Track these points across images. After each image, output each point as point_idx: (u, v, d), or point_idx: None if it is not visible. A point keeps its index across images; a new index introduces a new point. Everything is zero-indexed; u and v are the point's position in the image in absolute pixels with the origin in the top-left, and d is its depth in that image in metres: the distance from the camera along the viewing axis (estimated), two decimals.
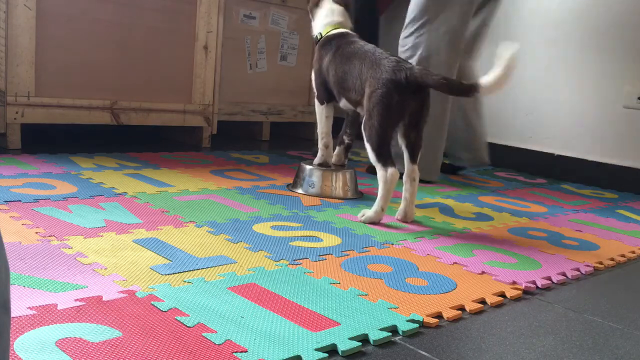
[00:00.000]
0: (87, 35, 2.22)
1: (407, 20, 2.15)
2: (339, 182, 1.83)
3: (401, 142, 1.59)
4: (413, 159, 1.59)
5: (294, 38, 3.04)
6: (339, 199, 1.80)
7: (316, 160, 1.88)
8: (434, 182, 2.23)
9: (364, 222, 1.55)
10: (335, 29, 1.80)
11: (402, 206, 1.61)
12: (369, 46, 1.67)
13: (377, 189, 1.56)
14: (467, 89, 1.48)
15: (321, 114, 1.86)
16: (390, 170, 1.54)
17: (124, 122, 2.33)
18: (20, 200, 1.42)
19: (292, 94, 3.08)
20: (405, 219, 1.61)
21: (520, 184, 2.43)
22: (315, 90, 1.86)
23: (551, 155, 2.72)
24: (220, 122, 2.75)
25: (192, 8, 2.49)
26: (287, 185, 1.91)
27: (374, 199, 1.83)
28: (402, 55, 2.11)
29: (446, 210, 1.80)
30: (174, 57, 2.47)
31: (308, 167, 1.85)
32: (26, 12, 2.03)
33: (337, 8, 1.84)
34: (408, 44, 2.13)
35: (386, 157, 1.54)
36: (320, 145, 1.88)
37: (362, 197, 1.87)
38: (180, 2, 2.44)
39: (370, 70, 1.57)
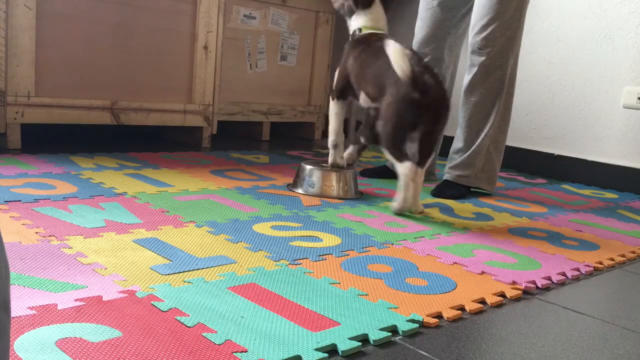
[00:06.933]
0: (88, 35, 2.22)
1: None
2: (339, 182, 1.83)
3: (412, 146, 1.65)
4: (420, 163, 1.64)
5: (294, 38, 3.03)
6: (339, 199, 1.80)
7: (329, 161, 1.89)
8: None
9: (394, 213, 1.66)
10: (371, 29, 1.81)
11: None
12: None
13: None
14: None
15: (332, 111, 1.87)
16: (406, 164, 1.62)
17: (124, 122, 2.33)
18: (20, 200, 1.42)
19: (292, 94, 3.08)
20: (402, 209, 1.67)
21: (520, 184, 2.43)
22: (334, 85, 1.86)
23: (551, 155, 2.72)
24: (220, 122, 2.75)
25: (192, 8, 2.49)
26: (287, 185, 1.91)
27: (374, 199, 1.83)
28: None
29: (446, 210, 1.80)
30: (174, 57, 2.47)
31: (308, 167, 1.85)
32: (26, 12, 2.03)
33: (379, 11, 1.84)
34: None
35: (400, 154, 1.63)
36: (329, 144, 1.89)
37: (362, 197, 1.87)
38: (180, 2, 2.45)
39: (393, 76, 1.59)
